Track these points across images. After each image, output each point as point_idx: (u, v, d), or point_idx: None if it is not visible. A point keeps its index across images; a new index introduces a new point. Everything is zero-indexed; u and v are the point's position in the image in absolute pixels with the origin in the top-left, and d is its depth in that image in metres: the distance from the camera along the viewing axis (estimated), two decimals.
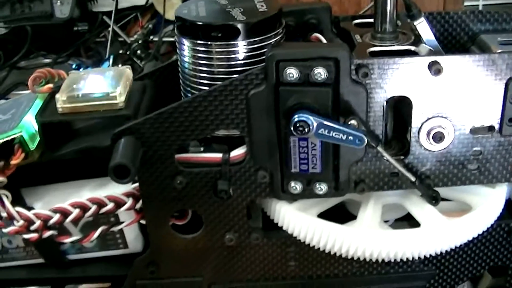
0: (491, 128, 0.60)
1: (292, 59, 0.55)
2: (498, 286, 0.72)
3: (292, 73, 0.55)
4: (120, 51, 1.31)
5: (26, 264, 0.68)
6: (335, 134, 0.55)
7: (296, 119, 0.54)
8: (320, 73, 0.55)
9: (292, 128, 0.55)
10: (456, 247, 0.64)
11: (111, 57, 1.28)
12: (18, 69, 1.26)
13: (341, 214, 0.65)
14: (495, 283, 0.73)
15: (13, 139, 0.60)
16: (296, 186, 0.60)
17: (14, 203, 0.62)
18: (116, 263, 0.68)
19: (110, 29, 1.32)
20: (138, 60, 1.27)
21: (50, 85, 0.65)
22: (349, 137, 0.55)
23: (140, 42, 1.30)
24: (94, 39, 1.37)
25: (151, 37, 1.33)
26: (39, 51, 1.31)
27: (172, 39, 1.06)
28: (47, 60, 1.29)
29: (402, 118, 0.60)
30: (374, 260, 0.61)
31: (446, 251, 0.63)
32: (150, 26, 1.35)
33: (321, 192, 0.60)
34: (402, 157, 0.60)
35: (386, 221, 0.66)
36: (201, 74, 0.60)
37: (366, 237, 0.59)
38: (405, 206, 0.64)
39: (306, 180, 0.60)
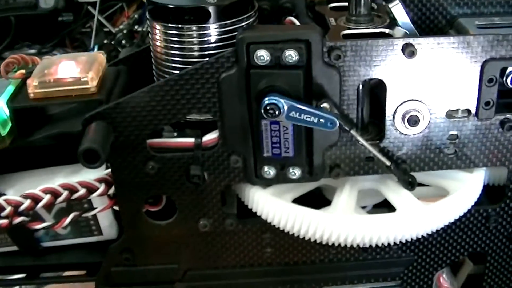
0: (467, 112, 0.59)
1: (262, 42, 0.54)
2: (479, 273, 0.72)
3: (263, 55, 0.54)
4: (105, 41, 1.30)
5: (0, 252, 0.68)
6: (307, 117, 0.54)
7: (266, 102, 0.54)
8: (291, 55, 0.54)
9: (262, 111, 0.54)
10: (433, 233, 0.63)
11: (96, 47, 1.27)
12: (2, 60, 1.24)
13: (318, 200, 0.64)
14: (476, 270, 0.73)
15: None
16: (269, 171, 0.59)
17: None
18: (91, 250, 0.67)
19: (95, 19, 1.31)
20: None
21: (23, 71, 0.65)
22: (321, 120, 0.54)
23: (125, 32, 1.29)
24: (79, 29, 1.35)
25: (136, 27, 1.32)
26: (23, 42, 1.30)
27: None
28: (32, 51, 1.27)
29: (379, 103, 0.60)
30: (349, 245, 0.60)
31: (424, 236, 0.63)
32: (136, 16, 1.34)
33: (294, 177, 0.59)
34: (377, 141, 0.59)
35: (364, 207, 0.66)
36: (173, 58, 0.59)
37: (340, 222, 0.59)
38: (381, 191, 0.63)
39: (279, 164, 0.59)
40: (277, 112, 0.54)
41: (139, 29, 1.31)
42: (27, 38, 1.30)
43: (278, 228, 0.61)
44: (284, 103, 0.53)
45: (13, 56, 0.66)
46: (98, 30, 1.32)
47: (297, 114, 0.54)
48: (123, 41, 1.28)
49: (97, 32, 1.31)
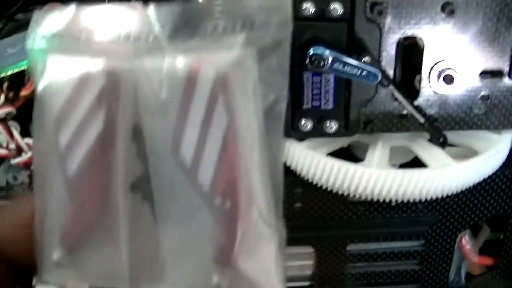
0: (500, 73, 0.60)
1: None
2: (495, 239, 0.73)
3: (308, 7, 0.55)
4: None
5: None
6: (350, 69, 0.55)
7: (311, 53, 0.54)
8: (336, 8, 0.55)
9: (307, 62, 0.54)
10: (459, 193, 0.64)
11: None
12: (15, 22, 1.24)
13: (346, 158, 0.65)
14: (492, 237, 0.74)
15: (24, 70, 0.60)
16: (306, 124, 0.60)
17: (22, 136, 0.61)
18: None
19: None
20: None
21: None
22: (363, 73, 0.55)
23: None
24: None
25: None
26: (36, 4, 1.29)
27: None
28: None
29: (410, 64, 0.60)
30: (381, 200, 0.61)
31: (449, 196, 0.64)
32: None
33: (331, 131, 0.60)
34: (411, 100, 0.60)
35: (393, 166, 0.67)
36: None
37: (376, 175, 0.59)
38: (412, 149, 0.64)
39: (316, 118, 0.60)
40: (321, 64, 0.54)
41: None
42: (39, 0, 1.30)
43: (310, 182, 0.62)
44: (329, 54, 0.54)
45: (50, 4, 0.66)
46: None
47: (341, 65, 0.55)
48: None
49: None
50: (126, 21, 0.44)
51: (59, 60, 0.43)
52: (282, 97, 0.43)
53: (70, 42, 0.43)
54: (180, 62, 0.41)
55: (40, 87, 0.42)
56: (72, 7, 0.46)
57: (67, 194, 0.43)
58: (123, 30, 0.43)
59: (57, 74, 0.42)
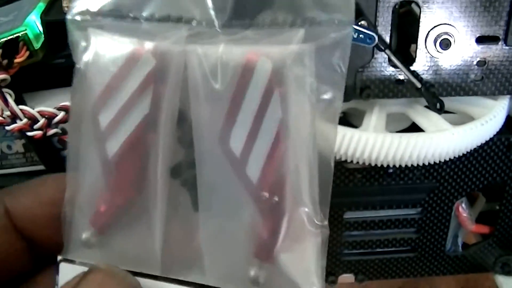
0: (496, 38, 0.60)
1: None
2: (490, 210, 0.73)
3: None
4: None
5: (25, 171, 0.68)
6: None
7: None
8: None
9: None
10: (455, 160, 0.64)
11: None
12: None
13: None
14: (488, 208, 0.74)
15: (18, 37, 0.59)
16: None
17: (17, 103, 0.61)
18: None
19: None
20: None
21: None
22: (360, 35, 0.55)
23: None
24: None
25: None
26: None
27: None
28: None
29: (405, 33, 0.60)
30: (379, 165, 0.61)
31: (446, 163, 0.64)
32: None
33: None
34: (407, 65, 0.60)
35: None
36: None
37: (373, 139, 0.59)
38: (409, 115, 0.64)
39: None
40: None
41: None
42: None
43: None
44: None
45: None
46: None
47: None
48: None
49: None
50: (179, 3, 0.41)
51: (106, 37, 0.40)
52: (338, 97, 0.42)
53: (117, 19, 0.42)
54: (236, 51, 0.40)
55: (82, 62, 0.41)
56: None
57: (103, 173, 0.41)
58: (175, 12, 0.41)
59: (104, 51, 0.40)
